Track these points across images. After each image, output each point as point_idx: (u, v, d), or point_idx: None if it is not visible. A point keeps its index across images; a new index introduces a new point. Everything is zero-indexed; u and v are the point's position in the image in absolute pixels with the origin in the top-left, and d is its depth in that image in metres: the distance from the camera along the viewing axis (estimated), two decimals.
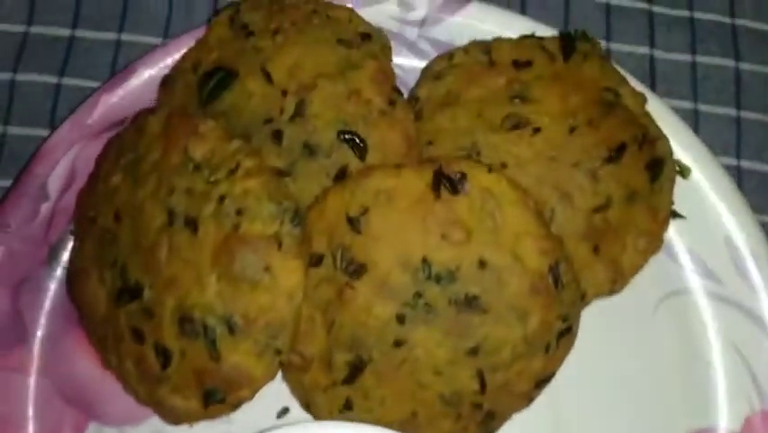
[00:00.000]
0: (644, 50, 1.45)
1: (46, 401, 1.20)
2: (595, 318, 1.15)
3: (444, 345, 1.05)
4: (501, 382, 1.07)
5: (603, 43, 1.39)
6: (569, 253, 1.07)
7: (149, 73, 1.27)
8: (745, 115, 1.42)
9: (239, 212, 1.00)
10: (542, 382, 1.10)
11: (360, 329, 1.06)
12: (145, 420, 1.18)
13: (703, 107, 1.42)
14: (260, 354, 1.01)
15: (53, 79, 1.39)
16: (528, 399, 1.12)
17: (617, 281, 1.13)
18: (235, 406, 1.04)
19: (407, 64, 1.28)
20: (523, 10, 1.48)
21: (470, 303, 1.02)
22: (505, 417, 1.12)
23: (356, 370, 1.08)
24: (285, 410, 1.15)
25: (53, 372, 1.20)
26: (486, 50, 1.21)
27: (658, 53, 1.45)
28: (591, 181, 1.10)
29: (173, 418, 1.10)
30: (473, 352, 1.05)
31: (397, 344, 1.06)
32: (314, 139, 1.10)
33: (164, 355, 1.04)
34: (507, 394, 1.09)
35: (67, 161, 1.22)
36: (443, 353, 1.06)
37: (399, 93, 1.15)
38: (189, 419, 1.08)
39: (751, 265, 1.18)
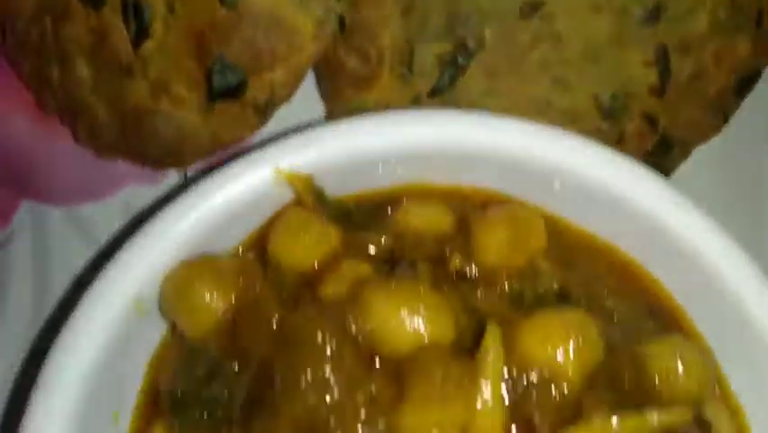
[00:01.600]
0: None
1: None
2: None
3: (606, 8, 0.65)
4: (690, 74, 0.68)
5: None
6: None
7: None
8: None
9: None
10: (746, 81, 0.71)
11: None
12: (108, 194, 0.74)
13: None
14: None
15: None
16: (723, 115, 0.71)
17: None
18: (262, 108, 0.63)
19: None
20: None
21: None
22: (686, 150, 0.73)
23: (455, 67, 0.68)
24: None
25: None
26: None
27: None
28: None
29: (154, 150, 0.66)
30: (652, 15, 0.67)
31: (528, 10, 0.67)
32: None
33: (138, 19, 0.61)
34: (695, 102, 0.70)
35: None
36: (603, 24, 0.66)
37: None
38: (182, 144, 0.65)
39: None
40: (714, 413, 0.60)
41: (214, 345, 0.55)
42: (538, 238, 0.58)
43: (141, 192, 0.75)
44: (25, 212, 0.75)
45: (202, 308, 0.54)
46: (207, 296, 0.53)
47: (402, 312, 0.51)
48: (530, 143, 0.60)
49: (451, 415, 0.47)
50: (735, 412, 0.61)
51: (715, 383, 0.58)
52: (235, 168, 0.58)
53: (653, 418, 0.48)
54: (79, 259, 0.75)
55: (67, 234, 0.75)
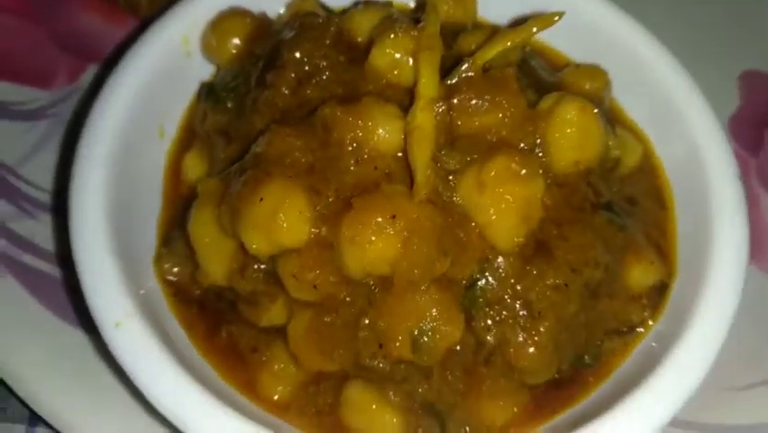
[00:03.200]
0: None
1: (40, 47, 1.01)
2: None
3: None
4: None
5: None
6: None
7: None
8: None
9: None
10: None
11: None
12: None
13: None
14: None
15: None
16: None
17: None
18: None
19: None
20: None
21: None
22: None
23: None
24: None
25: (53, 23, 0.97)
26: None
27: None
28: None
29: None
30: None
31: None
32: None
33: None
34: None
35: None
36: None
37: None
38: None
39: None
40: (621, 133, 0.76)
41: (239, 64, 0.74)
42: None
43: None
44: (91, 71, 0.97)
45: (232, 33, 0.74)
46: (237, 23, 0.74)
47: (371, 12, 0.71)
48: None
49: (406, 46, 0.65)
50: (640, 138, 0.79)
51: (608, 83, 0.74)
52: None
53: (533, 28, 0.64)
54: None
55: None
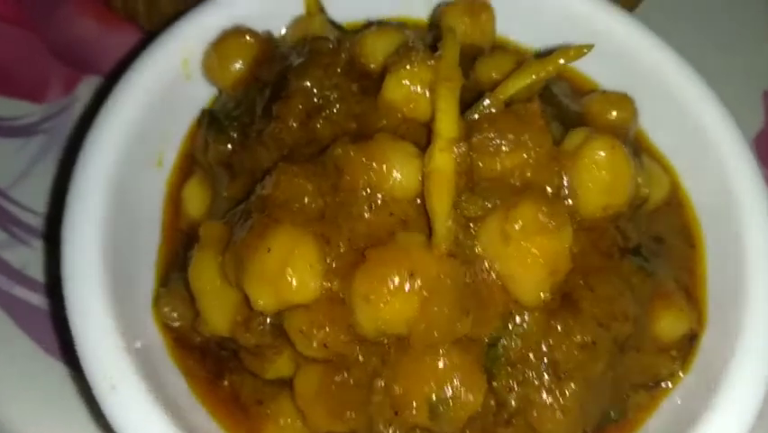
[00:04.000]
0: None
1: (33, 56, 0.96)
2: None
3: None
4: None
5: None
6: None
7: None
8: None
9: None
10: None
11: None
12: None
13: None
14: None
15: None
16: None
17: None
18: None
19: None
20: None
21: None
22: None
23: None
24: None
25: (47, 30, 0.92)
26: None
27: None
28: None
29: None
30: None
31: None
32: None
33: None
34: None
35: None
36: None
37: None
38: None
39: None
40: (647, 164, 0.71)
41: (243, 88, 0.69)
42: (490, 21, 0.73)
43: None
44: (86, 83, 0.91)
45: (236, 56, 0.68)
46: (241, 45, 0.68)
47: (383, 37, 0.66)
48: None
49: (423, 77, 0.60)
50: (667, 169, 0.74)
51: (635, 114, 0.69)
52: None
53: (560, 59, 0.60)
54: None
55: None
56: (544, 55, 0.63)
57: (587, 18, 0.76)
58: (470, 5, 0.73)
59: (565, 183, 0.59)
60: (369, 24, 0.78)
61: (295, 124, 0.61)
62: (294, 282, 0.53)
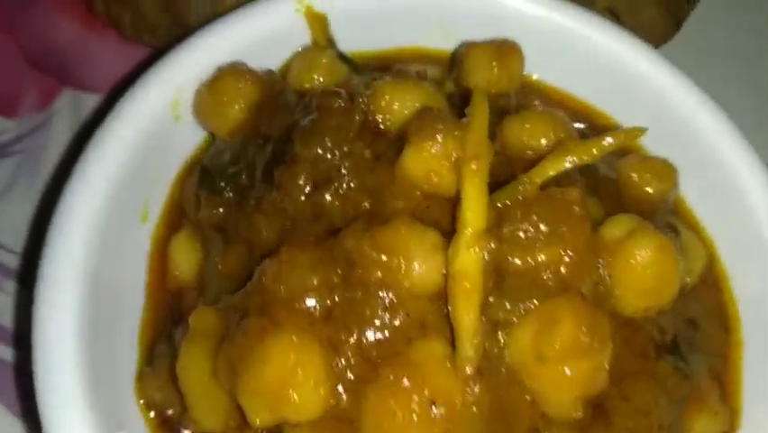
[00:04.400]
0: None
1: (6, 63, 0.86)
2: None
3: None
4: None
5: None
6: None
7: None
8: None
9: None
10: None
11: None
12: None
13: None
14: None
15: None
16: (675, 19, 0.80)
17: None
18: None
19: None
20: None
21: None
22: None
23: None
24: None
25: (22, 33, 0.83)
26: None
27: None
28: None
29: (190, 23, 0.75)
30: None
31: None
32: None
33: None
34: (652, 3, 0.78)
35: None
36: None
37: None
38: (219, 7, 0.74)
39: None
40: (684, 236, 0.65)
41: (240, 136, 0.61)
42: (518, 65, 0.65)
43: None
44: (65, 97, 0.82)
45: (231, 103, 0.60)
46: (237, 91, 0.60)
47: (402, 92, 0.57)
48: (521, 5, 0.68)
49: (446, 150, 0.52)
50: (706, 242, 0.67)
51: (676, 184, 0.62)
52: (260, 4, 0.67)
53: (607, 141, 0.53)
54: None
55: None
56: (585, 129, 0.56)
57: (615, 56, 0.68)
58: (498, 48, 0.65)
59: (602, 274, 0.53)
60: (384, 68, 0.70)
61: (299, 196, 0.54)
62: (295, 399, 0.46)
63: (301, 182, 0.53)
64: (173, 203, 0.64)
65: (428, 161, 0.53)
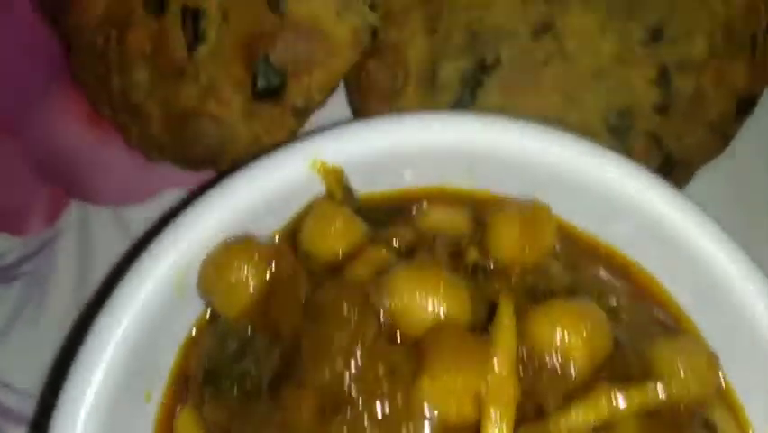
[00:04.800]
0: None
1: (12, 172, 0.83)
2: None
3: (610, 29, 0.69)
4: (691, 95, 0.71)
5: None
6: None
7: None
8: None
9: None
10: (744, 104, 0.73)
11: (481, 18, 0.71)
12: (150, 197, 0.77)
13: None
14: (345, 9, 0.64)
15: None
16: (724, 137, 0.73)
17: None
18: (300, 111, 0.65)
19: None
20: None
21: None
22: (690, 169, 0.74)
23: (474, 82, 0.71)
24: None
25: (26, 136, 0.79)
26: None
27: None
28: None
29: (197, 152, 0.69)
30: (653, 37, 0.69)
31: (540, 30, 0.70)
32: None
33: (194, 25, 0.64)
34: (697, 123, 0.72)
35: None
36: (608, 44, 0.70)
37: None
38: (223, 146, 0.66)
39: None
40: (720, 416, 0.61)
41: (247, 321, 0.57)
42: (549, 235, 0.61)
43: (181, 196, 0.78)
44: (73, 211, 0.78)
45: (238, 285, 0.56)
46: (244, 272, 0.56)
47: (422, 291, 0.52)
48: (546, 148, 0.61)
49: (466, 384, 0.48)
50: (735, 409, 0.63)
51: (719, 386, 0.58)
52: (272, 159, 0.61)
53: (658, 391, 0.49)
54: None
55: (110, 233, 0.78)
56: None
57: (639, 202, 0.61)
58: (531, 217, 0.58)
59: None
60: (402, 209, 0.65)
61: (306, 421, 0.50)
62: None
63: (308, 410, 0.50)
64: (177, 380, 0.60)
65: (446, 396, 0.48)
